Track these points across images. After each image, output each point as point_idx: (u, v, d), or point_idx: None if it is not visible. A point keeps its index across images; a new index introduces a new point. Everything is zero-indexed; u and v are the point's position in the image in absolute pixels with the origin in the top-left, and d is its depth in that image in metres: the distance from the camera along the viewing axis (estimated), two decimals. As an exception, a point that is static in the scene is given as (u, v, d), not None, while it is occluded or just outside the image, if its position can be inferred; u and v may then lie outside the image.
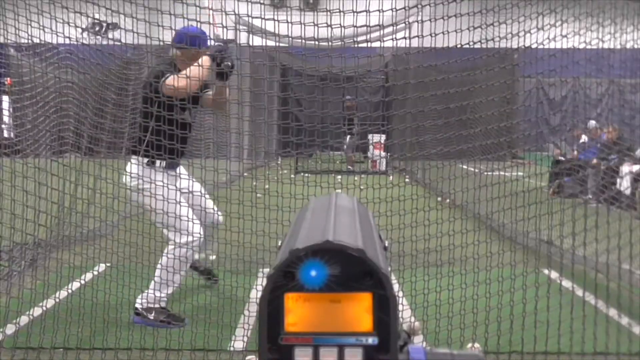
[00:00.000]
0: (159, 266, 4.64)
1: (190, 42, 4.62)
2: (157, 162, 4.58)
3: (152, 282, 4.68)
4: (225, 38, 4.57)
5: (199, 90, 4.58)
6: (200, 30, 4.72)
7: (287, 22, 4.48)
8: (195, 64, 4.39)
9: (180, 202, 4.54)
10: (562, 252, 4.81)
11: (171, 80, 4.38)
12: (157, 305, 4.68)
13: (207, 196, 4.98)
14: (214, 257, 5.28)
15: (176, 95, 4.40)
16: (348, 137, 15.86)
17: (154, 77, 4.54)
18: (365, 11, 4.42)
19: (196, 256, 4.91)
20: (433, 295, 4.36)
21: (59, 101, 5.55)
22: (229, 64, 4.43)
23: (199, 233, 4.63)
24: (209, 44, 4.66)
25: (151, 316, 4.66)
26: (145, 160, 4.59)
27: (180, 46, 4.64)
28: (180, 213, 4.49)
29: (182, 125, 4.52)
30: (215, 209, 5.02)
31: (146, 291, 4.69)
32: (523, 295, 4.08)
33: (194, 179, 4.97)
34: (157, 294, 4.66)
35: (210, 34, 4.80)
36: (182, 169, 4.89)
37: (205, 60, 4.40)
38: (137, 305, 4.69)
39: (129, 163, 4.72)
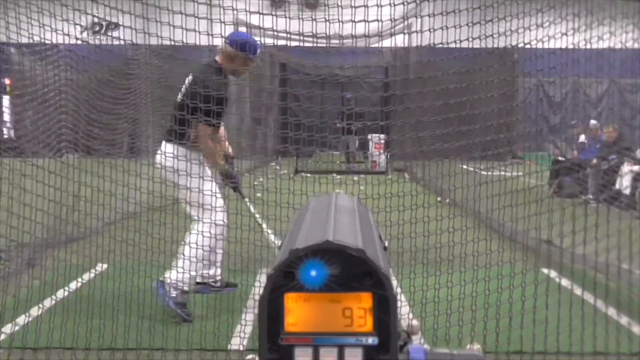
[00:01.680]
0: (191, 245, 4.59)
1: (241, 47, 4.74)
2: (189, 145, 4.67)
3: (185, 262, 4.60)
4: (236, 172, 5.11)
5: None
6: (252, 38, 4.92)
7: (286, 16, 4.50)
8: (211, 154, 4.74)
9: (207, 178, 4.65)
10: (561, 251, 4.81)
11: (202, 137, 4.63)
12: (185, 288, 4.67)
13: (218, 195, 4.99)
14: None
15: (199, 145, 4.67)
16: (350, 136, 15.86)
17: (202, 73, 4.71)
18: (364, 6, 4.41)
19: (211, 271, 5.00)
20: (432, 292, 4.35)
21: (59, 99, 5.54)
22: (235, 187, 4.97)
23: (223, 208, 4.73)
24: (256, 52, 4.87)
25: (174, 293, 4.62)
26: (181, 142, 4.63)
27: (231, 48, 4.74)
28: (212, 189, 4.62)
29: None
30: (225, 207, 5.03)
31: (179, 270, 4.61)
32: (522, 293, 4.08)
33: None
34: (190, 274, 4.63)
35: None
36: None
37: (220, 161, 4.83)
38: (166, 280, 4.63)
39: (164, 144, 4.79)
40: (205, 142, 4.69)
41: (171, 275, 4.63)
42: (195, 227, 4.68)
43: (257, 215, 4.90)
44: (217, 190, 4.77)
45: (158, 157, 4.81)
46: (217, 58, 4.86)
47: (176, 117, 4.65)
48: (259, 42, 5.00)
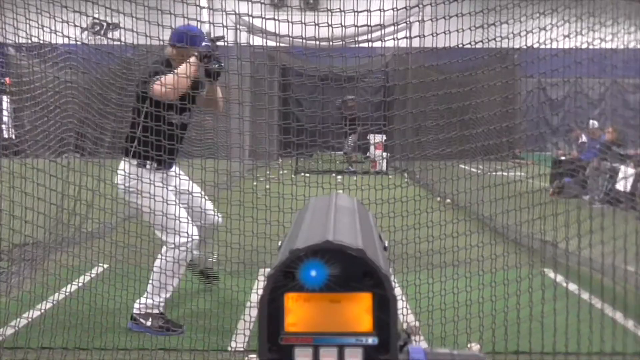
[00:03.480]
0: (155, 269, 4.52)
1: (184, 40, 4.51)
2: (147, 162, 4.47)
3: (149, 286, 4.56)
4: (213, 36, 4.48)
5: (191, 89, 4.46)
6: (196, 29, 4.64)
7: (288, 21, 4.47)
8: (183, 65, 4.34)
9: (175, 202, 4.46)
10: (567, 254, 4.79)
11: (158, 87, 4.31)
12: (155, 311, 4.56)
13: (206, 197, 4.91)
14: (215, 258, 5.22)
15: (163, 100, 4.37)
16: (351, 137, 15.88)
17: (147, 75, 4.49)
18: (367, 10, 4.42)
19: (195, 253, 4.78)
20: (438, 299, 4.32)
21: (58, 100, 5.54)
22: (216, 64, 4.39)
23: (194, 234, 4.52)
24: (201, 42, 4.52)
25: (148, 323, 4.54)
26: (135, 161, 4.49)
27: (177, 45, 4.56)
28: (175, 214, 4.41)
29: (171, 123, 4.44)
30: (215, 210, 4.96)
31: (143, 296, 4.57)
32: (529, 298, 4.07)
33: (191, 180, 4.86)
34: (156, 299, 4.54)
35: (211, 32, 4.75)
36: (179, 170, 4.78)
37: (191, 60, 4.35)
38: (135, 311, 4.57)
39: (121, 162, 4.62)
40: (163, 86, 4.29)
41: (142, 302, 4.55)
42: (163, 250, 4.55)
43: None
44: (183, 214, 4.52)
45: (119, 177, 4.59)
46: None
47: (131, 136, 4.50)
48: (197, 28, 4.63)
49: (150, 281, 4.54)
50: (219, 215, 4.92)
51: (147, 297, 4.56)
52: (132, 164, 4.50)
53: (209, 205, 4.90)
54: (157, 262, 4.53)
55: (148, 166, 4.49)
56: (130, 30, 4.39)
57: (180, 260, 4.50)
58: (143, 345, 4.28)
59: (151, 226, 4.58)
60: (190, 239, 4.48)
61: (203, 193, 4.85)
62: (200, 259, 5.13)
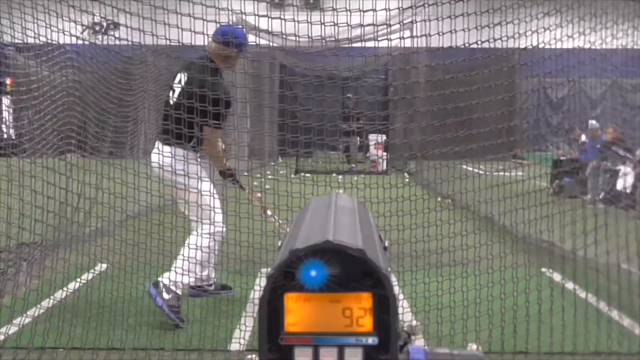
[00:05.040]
0: (190, 246, 4.56)
1: (230, 44, 4.64)
2: (192, 143, 4.58)
3: (179, 263, 4.56)
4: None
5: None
6: (243, 33, 4.83)
7: (288, 20, 4.47)
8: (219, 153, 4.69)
9: (212, 191, 4.62)
10: (565, 254, 4.80)
11: (208, 142, 4.59)
12: (178, 291, 4.60)
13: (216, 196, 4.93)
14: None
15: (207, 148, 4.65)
16: (357, 136, 15.87)
17: (198, 71, 4.58)
18: (369, 10, 4.42)
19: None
20: (435, 299, 4.32)
21: (59, 99, 5.54)
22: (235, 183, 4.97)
23: (222, 223, 4.67)
24: (245, 47, 4.81)
25: (167, 296, 4.54)
26: (182, 144, 4.55)
27: (219, 43, 4.67)
28: (212, 192, 4.60)
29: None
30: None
31: (173, 269, 4.57)
32: (526, 298, 4.07)
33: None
34: (185, 279, 4.57)
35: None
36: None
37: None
38: (160, 280, 4.57)
39: (159, 144, 4.70)
40: (213, 145, 4.64)
41: (170, 276, 4.57)
42: (195, 228, 4.64)
43: (269, 213, 4.89)
44: (215, 192, 4.72)
45: (154, 156, 4.73)
46: (210, 55, 4.74)
47: (172, 116, 4.55)
48: (244, 34, 4.83)
49: (184, 258, 4.55)
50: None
51: (180, 273, 4.56)
52: (175, 146, 4.56)
53: (218, 203, 4.92)
54: (192, 240, 4.60)
55: (192, 147, 4.58)
56: (137, 30, 4.38)
57: (216, 237, 4.64)
58: (151, 344, 4.27)
59: (187, 207, 4.64)
60: (222, 215, 4.67)
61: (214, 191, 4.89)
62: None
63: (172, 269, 4.60)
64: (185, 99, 4.48)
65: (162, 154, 4.62)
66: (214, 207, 4.60)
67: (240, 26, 4.82)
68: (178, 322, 4.56)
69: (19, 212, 4.49)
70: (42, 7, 4.40)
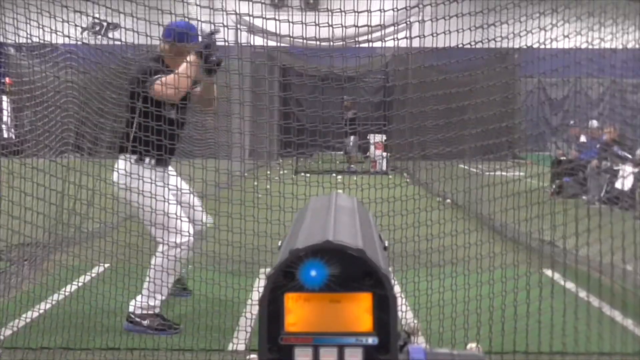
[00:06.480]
0: (151, 269, 4.46)
1: (178, 37, 4.47)
2: (146, 160, 4.41)
3: (146, 284, 4.49)
4: (211, 30, 4.40)
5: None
6: (188, 25, 4.59)
7: (288, 21, 4.47)
8: (183, 63, 4.30)
9: (169, 200, 4.39)
10: (565, 253, 4.79)
11: (159, 87, 4.26)
12: (151, 312, 4.50)
13: (195, 194, 4.81)
14: (191, 267, 5.14)
15: (165, 100, 4.34)
16: (352, 137, 15.88)
17: (142, 73, 4.41)
18: (367, 11, 4.42)
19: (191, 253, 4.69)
20: (436, 296, 4.32)
21: (58, 100, 5.54)
22: (216, 59, 4.36)
23: (189, 232, 4.45)
24: (197, 39, 4.51)
25: (145, 322, 4.48)
26: (134, 157, 4.43)
27: (168, 41, 4.53)
28: (169, 211, 4.34)
29: (170, 121, 4.39)
30: (203, 207, 4.87)
31: (139, 297, 4.51)
32: (527, 295, 4.07)
33: (179, 176, 4.80)
34: (151, 301, 4.46)
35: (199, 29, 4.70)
36: (170, 168, 4.73)
37: (192, 59, 4.30)
38: (131, 310, 4.51)
39: (120, 161, 4.55)
40: (164, 86, 4.25)
41: (139, 305, 4.48)
42: (160, 249, 4.47)
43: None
44: (182, 213, 4.48)
45: (116, 175, 4.53)
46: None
47: (128, 133, 4.43)
48: (187, 24, 4.58)
49: (147, 280, 4.46)
50: (207, 213, 4.87)
51: (143, 298, 4.48)
52: (131, 162, 4.43)
53: (198, 201, 4.83)
54: (156, 261, 4.44)
55: (147, 164, 4.43)
56: (131, 30, 4.37)
57: (182, 259, 4.46)
58: (145, 345, 4.27)
59: (149, 225, 4.47)
60: (184, 238, 4.42)
61: (192, 189, 4.78)
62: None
63: (141, 295, 4.50)
64: (129, 99, 4.43)
65: (129, 175, 4.41)
66: (179, 230, 4.40)
67: (184, 19, 4.63)
68: (172, 332, 4.50)
69: (19, 212, 4.50)
70: (46, 7, 4.40)
